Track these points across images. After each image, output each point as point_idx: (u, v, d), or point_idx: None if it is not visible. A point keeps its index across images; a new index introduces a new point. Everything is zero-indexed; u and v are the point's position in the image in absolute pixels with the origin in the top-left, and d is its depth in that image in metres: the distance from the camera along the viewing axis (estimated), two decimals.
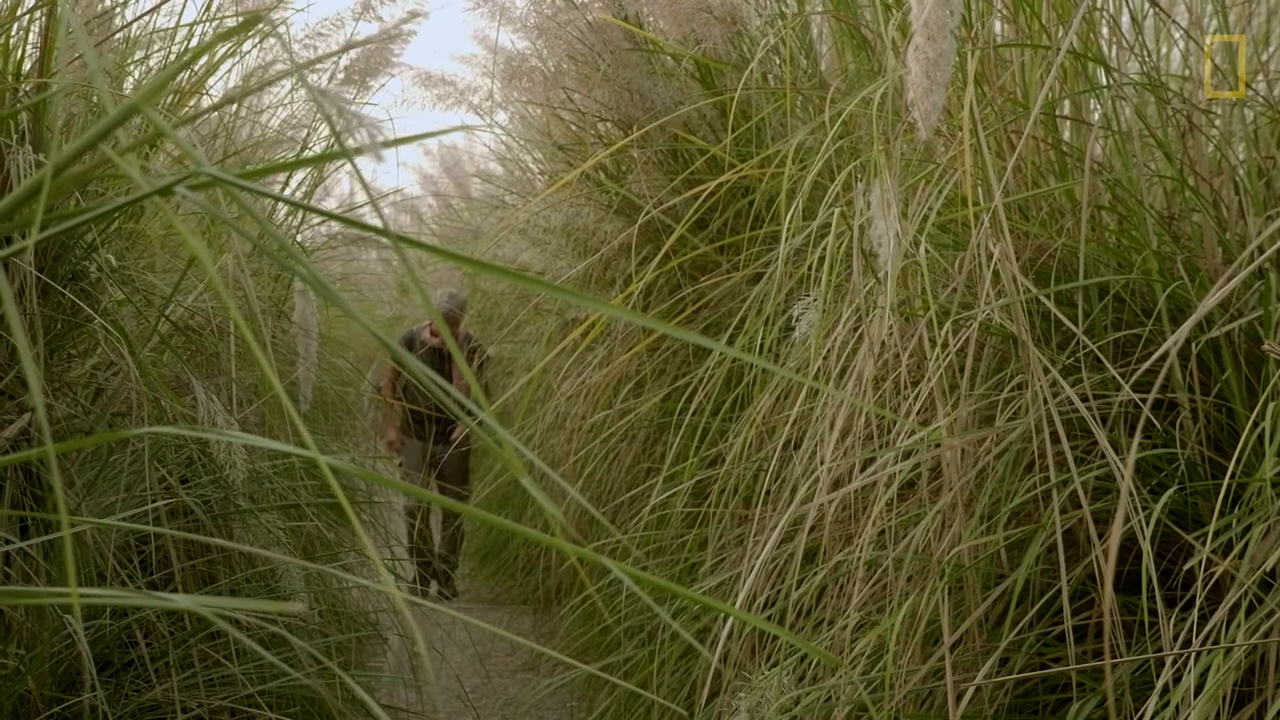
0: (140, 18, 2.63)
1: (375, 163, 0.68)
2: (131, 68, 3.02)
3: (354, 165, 0.74)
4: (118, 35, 2.72)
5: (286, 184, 3.80)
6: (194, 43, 3.28)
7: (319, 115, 3.83)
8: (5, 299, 0.62)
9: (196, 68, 3.31)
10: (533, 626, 4.45)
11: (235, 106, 3.75)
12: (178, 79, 3.25)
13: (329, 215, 0.68)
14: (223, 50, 3.42)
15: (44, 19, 2.09)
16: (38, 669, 2.03)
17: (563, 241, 3.89)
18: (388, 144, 0.72)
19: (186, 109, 3.07)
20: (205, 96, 3.00)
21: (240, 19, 3.15)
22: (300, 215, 4.04)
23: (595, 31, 3.09)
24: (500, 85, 3.41)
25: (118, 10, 2.87)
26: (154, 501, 2.28)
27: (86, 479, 2.27)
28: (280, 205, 3.82)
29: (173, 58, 3.20)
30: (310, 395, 3.00)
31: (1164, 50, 2.49)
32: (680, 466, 2.83)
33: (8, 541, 2.05)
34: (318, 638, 2.76)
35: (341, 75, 3.62)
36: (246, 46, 3.39)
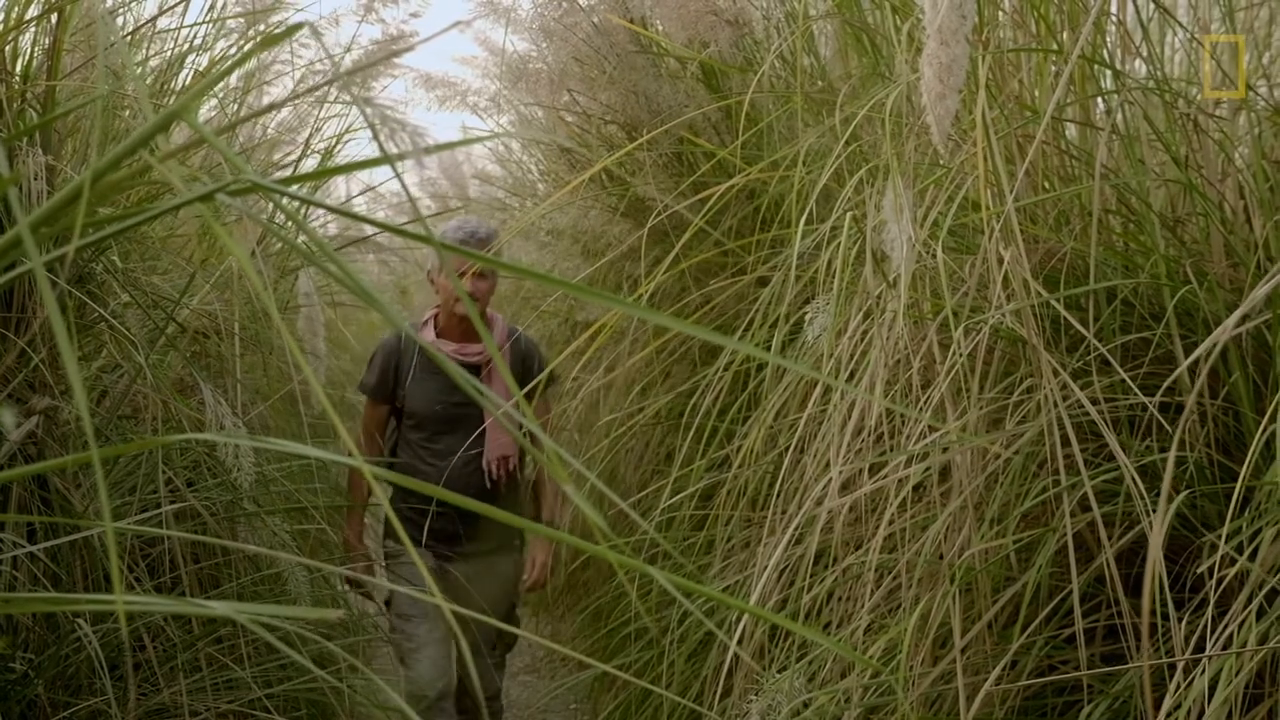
0: (150, 21, 2.62)
1: (418, 169, 0.68)
2: (135, 69, 3.02)
3: (396, 171, 0.74)
4: (125, 36, 2.72)
5: (302, 185, 3.80)
6: (195, 44, 3.28)
7: (320, 116, 3.83)
8: (50, 307, 0.62)
9: (194, 65, 3.31)
10: (535, 629, 4.45)
11: (237, 107, 3.75)
12: (172, 82, 3.25)
13: (374, 223, 0.68)
14: (223, 48, 3.42)
15: (53, 23, 2.08)
16: (47, 673, 2.03)
17: (569, 244, 3.89)
18: (429, 150, 0.72)
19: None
20: (211, 97, 2.99)
21: (244, 21, 3.14)
22: (303, 216, 4.03)
23: (601, 34, 3.10)
24: (505, 87, 3.41)
25: (120, 12, 2.87)
26: (162, 505, 2.28)
27: (94, 481, 2.27)
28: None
29: (174, 58, 3.19)
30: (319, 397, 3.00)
31: (1169, 53, 2.50)
32: (687, 469, 2.83)
33: (16, 545, 2.04)
34: (322, 641, 2.76)
35: (350, 78, 3.61)
36: (247, 48, 3.39)
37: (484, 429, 3.12)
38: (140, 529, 0.92)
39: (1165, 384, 1.80)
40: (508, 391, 3.07)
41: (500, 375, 2.99)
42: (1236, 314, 1.57)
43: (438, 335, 3.20)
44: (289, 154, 3.99)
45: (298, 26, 0.72)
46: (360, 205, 6.31)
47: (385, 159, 0.71)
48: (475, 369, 3.15)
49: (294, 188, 3.74)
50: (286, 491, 2.99)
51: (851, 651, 1.06)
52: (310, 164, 3.86)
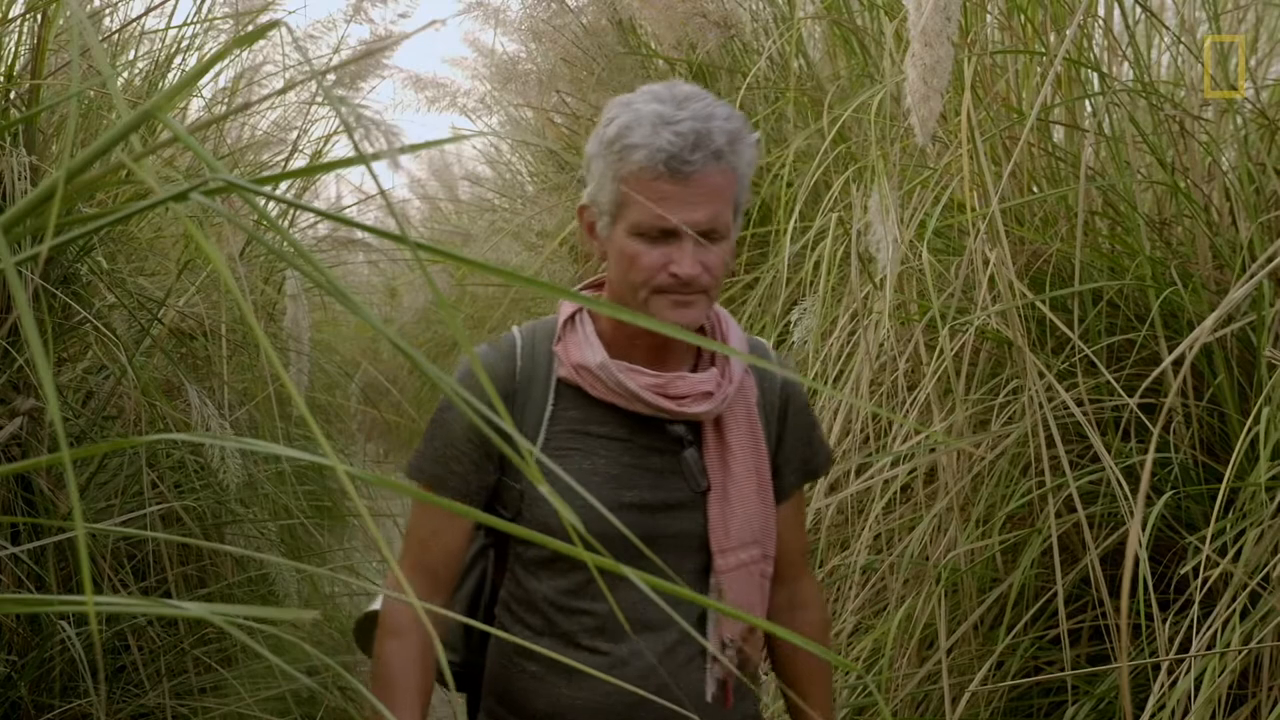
0: (137, 20, 2.62)
1: (393, 170, 0.67)
2: (121, 69, 3.01)
3: (371, 171, 0.73)
4: (111, 37, 2.71)
5: (276, 185, 3.79)
6: (183, 45, 3.28)
7: (309, 117, 3.83)
8: (22, 307, 0.62)
9: (182, 67, 3.30)
10: None
11: (225, 107, 3.74)
12: (160, 83, 3.25)
13: (355, 224, 0.68)
14: (212, 50, 3.41)
15: (38, 22, 2.08)
16: (30, 675, 2.02)
17: (556, 246, 3.89)
18: (404, 150, 0.71)
19: (176, 111, 3.06)
20: (197, 97, 2.99)
21: (233, 22, 3.14)
22: (290, 218, 4.03)
23: (590, 35, 3.10)
24: (494, 88, 3.41)
25: (108, 12, 2.86)
26: (148, 506, 2.27)
27: (79, 483, 2.26)
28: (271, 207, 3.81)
29: (162, 59, 3.19)
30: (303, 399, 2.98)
31: (1155, 56, 2.51)
32: None
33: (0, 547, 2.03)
34: (309, 643, 2.75)
35: (333, 78, 3.62)
36: (221, 47, 3.38)
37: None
38: (119, 530, 0.92)
39: (1144, 384, 1.80)
40: (759, 473, 1.47)
41: (741, 442, 1.47)
42: (1214, 315, 1.57)
43: (610, 354, 1.44)
44: (279, 154, 3.98)
45: (273, 24, 0.71)
46: (350, 206, 6.31)
47: (361, 159, 0.70)
48: (692, 429, 1.46)
49: (279, 188, 3.74)
50: (272, 493, 2.98)
51: (842, 660, 1.03)
52: (298, 165, 3.85)
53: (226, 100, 3.75)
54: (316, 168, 0.70)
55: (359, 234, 4.94)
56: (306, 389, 3.40)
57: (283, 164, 3.79)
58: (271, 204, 3.39)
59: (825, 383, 2.18)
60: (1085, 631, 2.00)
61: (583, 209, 1.44)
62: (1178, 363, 1.76)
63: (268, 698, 2.42)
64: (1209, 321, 1.56)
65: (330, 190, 6.93)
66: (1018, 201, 2.18)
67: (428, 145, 0.77)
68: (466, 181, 7.30)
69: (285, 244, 2.91)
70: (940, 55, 1.69)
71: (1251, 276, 1.67)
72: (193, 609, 0.76)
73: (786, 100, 2.75)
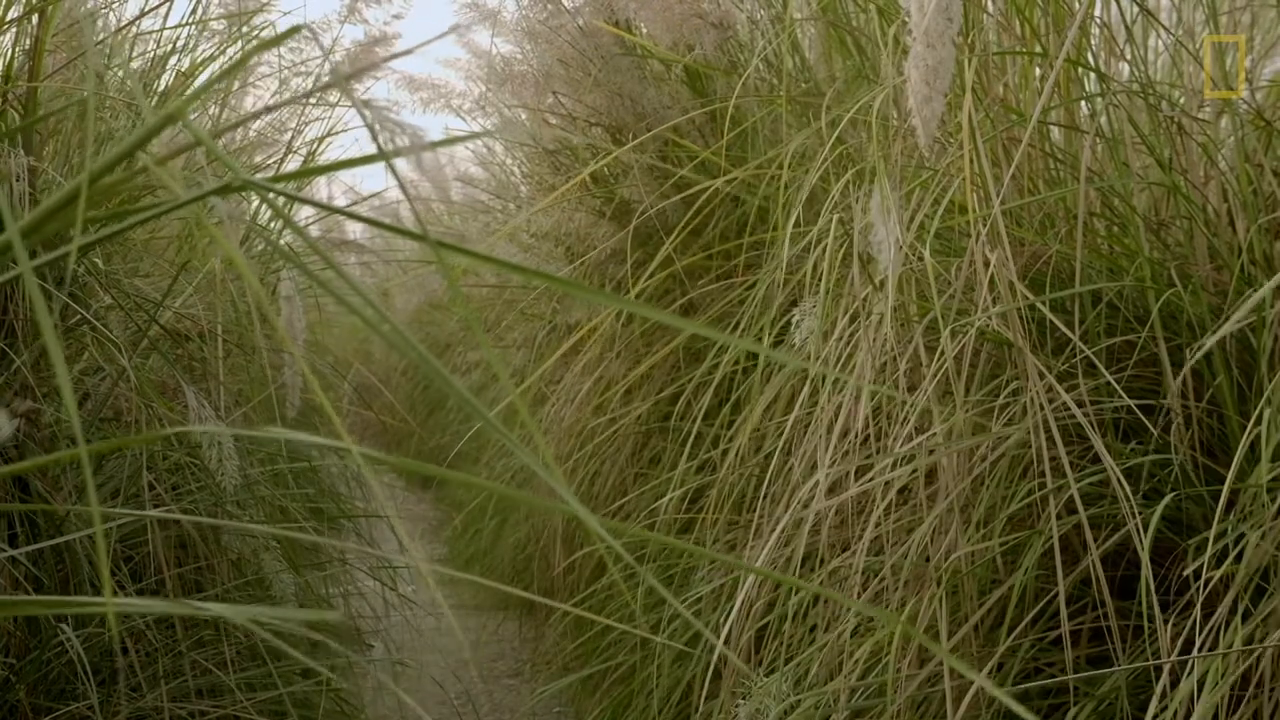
0: (133, 22, 2.61)
1: (415, 168, 0.67)
2: (116, 70, 3.00)
3: (393, 169, 0.73)
4: (109, 38, 2.71)
5: (287, 184, 3.78)
6: (178, 45, 3.27)
7: (304, 118, 3.81)
8: (40, 310, 0.61)
9: (177, 67, 3.29)
10: (518, 632, 4.43)
11: (219, 109, 3.72)
12: (154, 84, 3.24)
13: (370, 220, 0.67)
14: (204, 52, 3.40)
15: (35, 23, 2.07)
16: (28, 678, 2.01)
17: (552, 247, 3.89)
18: (426, 147, 0.71)
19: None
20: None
21: (228, 23, 3.13)
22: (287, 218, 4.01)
23: (586, 36, 3.10)
24: (490, 89, 3.40)
25: (104, 12, 2.85)
26: (145, 508, 2.26)
27: (75, 483, 2.26)
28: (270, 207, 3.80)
29: (156, 59, 3.18)
30: (299, 400, 2.98)
31: (1152, 56, 2.52)
32: (670, 474, 2.83)
33: None
34: (304, 646, 2.75)
35: (328, 79, 3.61)
36: (231, 49, 3.38)
37: None
38: (130, 538, 0.92)
39: (1151, 387, 1.81)
40: None
41: None
42: (1230, 319, 1.58)
43: None
44: (272, 155, 3.96)
45: (295, 29, 0.71)
46: (341, 207, 6.28)
47: (382, 155, 0.70)
48: None
49: (282, 187, 3.73)
50: (270, 495, 2.97)
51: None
52: (293, 167, 3.84)
53: (220, 101, 3.74)
54: (337, 164, 0.70)
55: (351, 235, 4.92)
56: (302, 389, 3.39)
57: (278, 165, 3.78)
58: (280, 203, 3.37)
59: (826, 379, 2.19)
60: (1085, 633, 2.00)
61: None
62: (1179, 364, 1.77)
63: (265, 700, 2.41)
64: (1226, 326, 1.56)
65: (321, 191, 6.91)
66: (1018, 203, 2.18)
67: (433, 146, 0.77)
68: (459, 183, 7.29)
69: (295, 243, 2.89)
70: (942, 56, 1.69)
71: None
72: (215, 609, 0.76)
73: (780, 104, 2.75)
